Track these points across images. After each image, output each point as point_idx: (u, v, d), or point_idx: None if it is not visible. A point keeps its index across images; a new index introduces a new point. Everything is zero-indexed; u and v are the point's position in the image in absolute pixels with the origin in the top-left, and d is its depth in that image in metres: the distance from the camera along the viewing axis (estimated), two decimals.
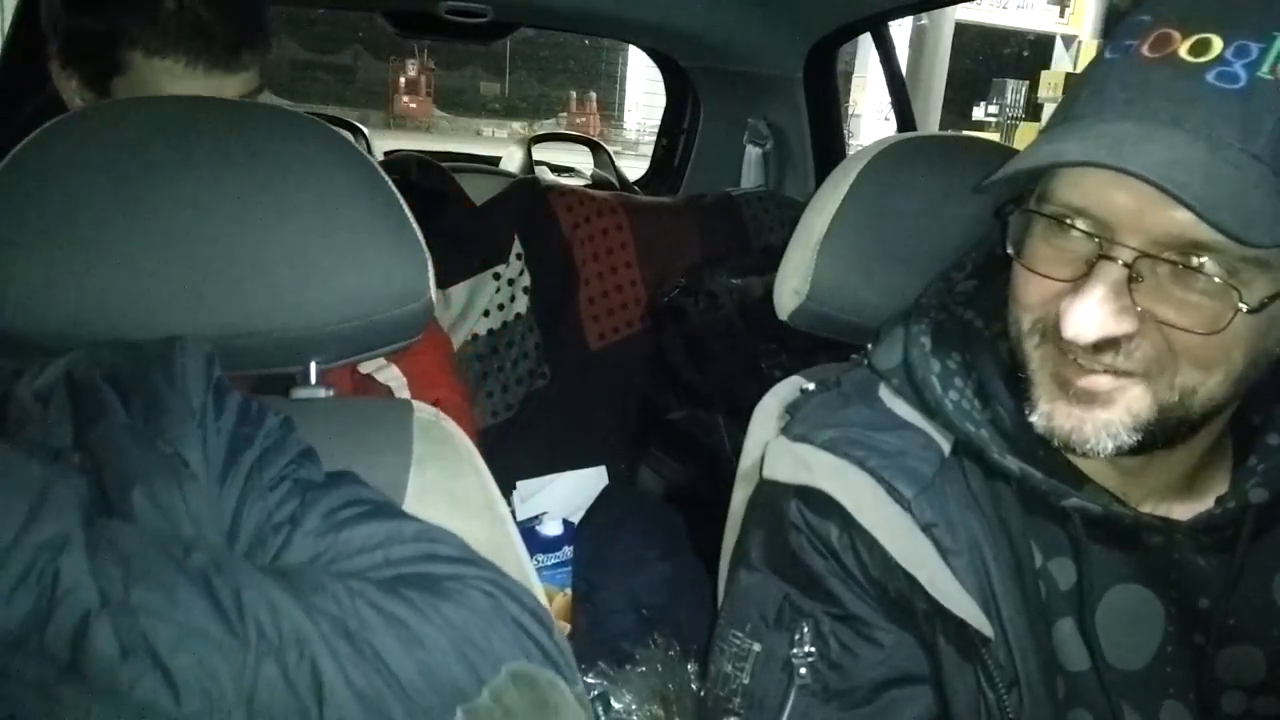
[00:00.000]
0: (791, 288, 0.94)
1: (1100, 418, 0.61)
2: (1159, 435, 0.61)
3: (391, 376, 1.18)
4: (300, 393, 0.82)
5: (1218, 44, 0.55)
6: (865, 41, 2.11)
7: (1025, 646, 0.66)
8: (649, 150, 2.97)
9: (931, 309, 0.74)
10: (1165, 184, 0.52)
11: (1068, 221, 0.60)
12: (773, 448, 0.72)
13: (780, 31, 2.07)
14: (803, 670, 0.70)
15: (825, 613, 0.70)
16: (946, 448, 0.70)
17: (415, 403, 0.84)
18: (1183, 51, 0.56)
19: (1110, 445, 0.61)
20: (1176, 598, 0.68)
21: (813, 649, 0.70)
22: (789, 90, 2.18)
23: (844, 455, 0.68)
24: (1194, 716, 0.67)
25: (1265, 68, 0.54)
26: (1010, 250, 0.64)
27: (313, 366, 0.82)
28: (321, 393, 0.83)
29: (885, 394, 0.73)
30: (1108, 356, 0.60)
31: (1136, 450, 0.62)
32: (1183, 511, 0.69)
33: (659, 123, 2.74)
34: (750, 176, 2.27)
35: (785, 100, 2.20)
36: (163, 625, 0.44)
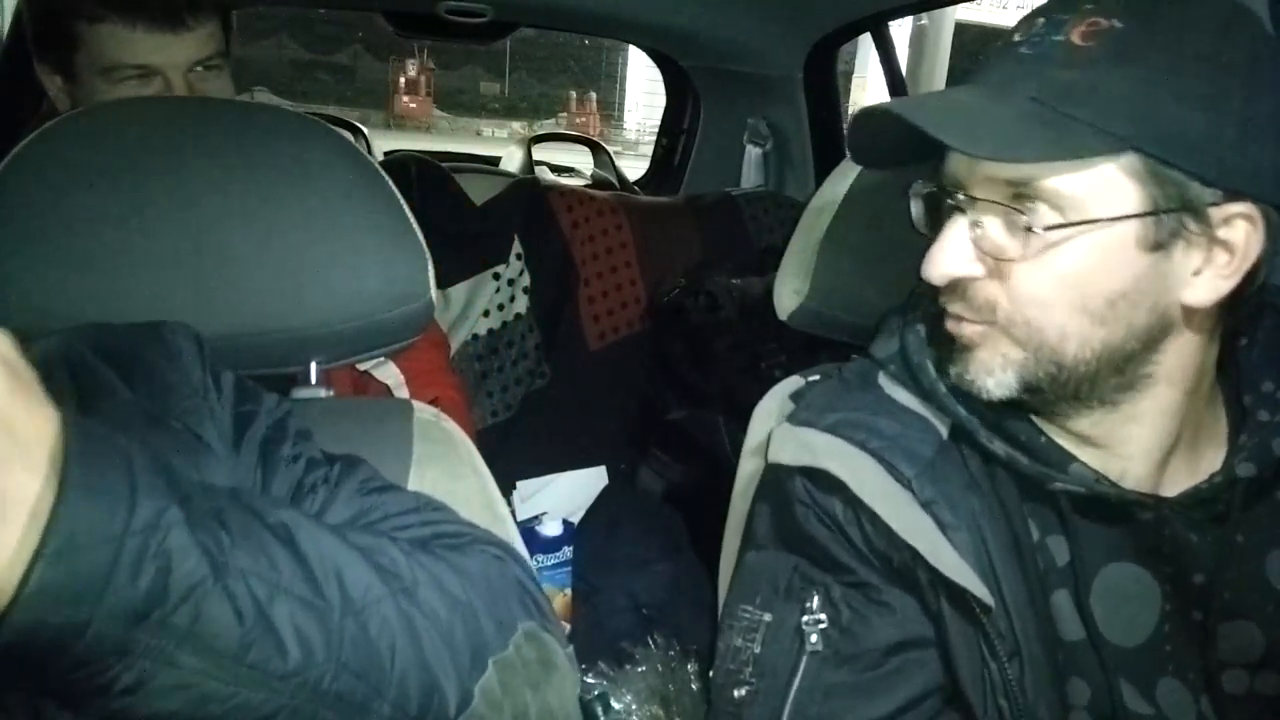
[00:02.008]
0: (791, 288, 0.94)
1: (978, 358, 0.67)
2: (1043, 380, 0.66)
3: (390, 374, 1.18)
4: (301, 392, 0.82)
5: (1043, 21, 0.64)
6: (865, 41, 2.10)
7: (1025, 616, 0.67)
8: (649, 150, 2.97)
9: (926, 298, 0.76)
10: (901, 111, 0.62)
11: (936, 188, 0.69)
12: (778, 433, 0.74)
13: (780, 31, 2.07)
14: (814, 637, 0.71)
15: (835, 580, 0.72)
16: (944, 432, 0.71)
17: (415, 403, 0.84)
18: (1019, 34, 0.65)
19: (991, 383, 0.67)
20: (1171, 574, 0.69)
21: (823, 615, 0.71)
22: (789, 90, 2.17)
23: (846, 438, 0.70)
24: (1192, 694, 0.68)
25: (1062, 33, 0.62)
26: (913, 219, 0.71)
27: (313, 366, 0.82)
28: (322, 393, 0.83)
29: (884, 381, 0.75)
30: (953, 301, 0.67)
31: (1032, 394, 0.66)
32: (1176, 490, 0.70)
33: (659, 123, 2.74)
34: (750, 176, 2.27)
35: (785, 100, 2.20)
36: (263, 587, 0.45)
